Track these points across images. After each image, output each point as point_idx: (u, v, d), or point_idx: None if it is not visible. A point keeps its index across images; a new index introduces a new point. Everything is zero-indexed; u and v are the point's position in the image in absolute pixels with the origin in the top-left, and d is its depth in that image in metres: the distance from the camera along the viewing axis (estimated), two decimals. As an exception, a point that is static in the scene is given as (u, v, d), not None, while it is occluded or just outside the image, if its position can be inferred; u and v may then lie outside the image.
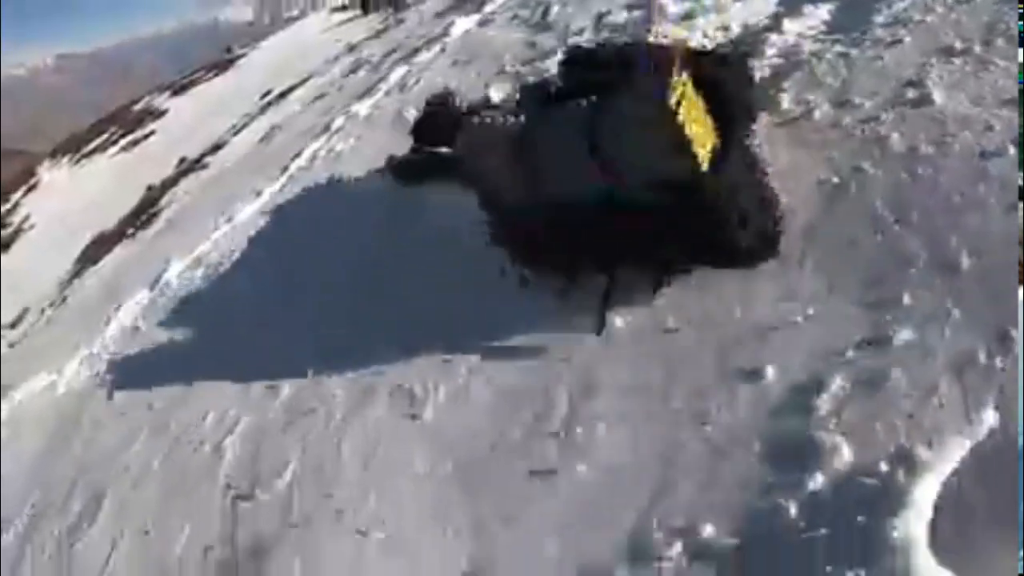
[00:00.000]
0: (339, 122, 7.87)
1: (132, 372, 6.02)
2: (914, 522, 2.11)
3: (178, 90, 33.40)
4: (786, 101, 4.09)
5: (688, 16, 5.74)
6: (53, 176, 32.49)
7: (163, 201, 12.49)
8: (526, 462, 2.95)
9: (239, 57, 34.25)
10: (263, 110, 16.31)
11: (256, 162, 9.41)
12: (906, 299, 2.66)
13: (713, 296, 3.20)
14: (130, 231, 12.21)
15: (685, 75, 3.27)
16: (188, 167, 14.85)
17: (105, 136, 32.49)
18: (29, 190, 32.71)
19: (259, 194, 7.37)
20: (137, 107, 34.53)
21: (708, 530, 2.35)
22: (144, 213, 12.83)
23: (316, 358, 4.35)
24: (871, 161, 3.36)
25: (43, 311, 12.19)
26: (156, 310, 6.66)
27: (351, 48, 17.84)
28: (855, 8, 4.58)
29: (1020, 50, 4.41)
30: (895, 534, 2.10)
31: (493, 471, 3.03)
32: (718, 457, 2.57)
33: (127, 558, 4.09)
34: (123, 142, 29.11)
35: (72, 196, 26.05)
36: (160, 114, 30.49)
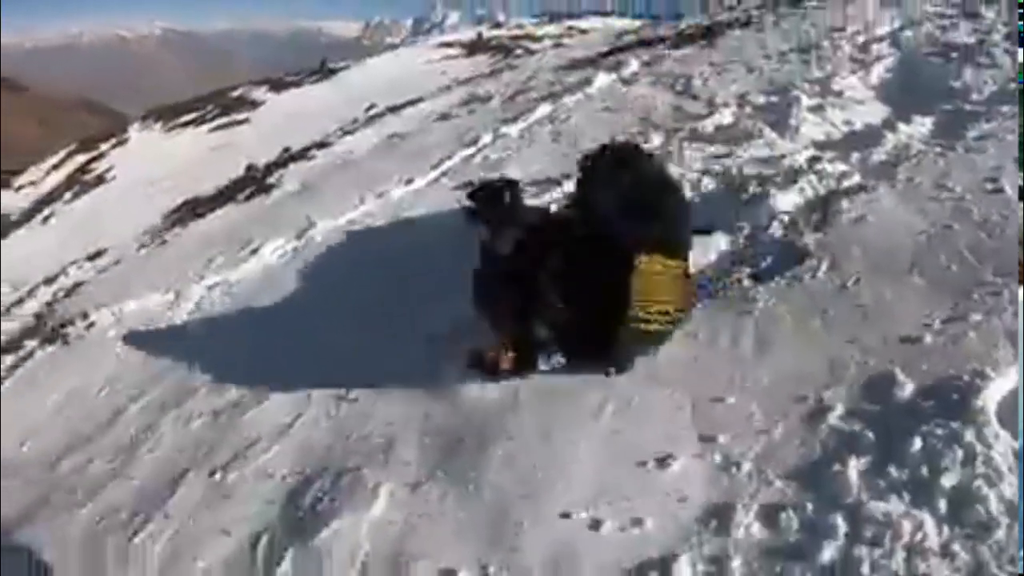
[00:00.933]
0: (486, 138, 8.29)
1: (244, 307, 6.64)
2: None
3: (277, 86, 34.36)
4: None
5: (818, 108, 6.26)
6: (143, 137, 33.46)
7: (271, 179, 12.99)
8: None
9: (341, 69, 35.13)
10: (370, 120, 16.91)
11: (390, 158, 9.90)
12: None
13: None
14: (239, 198, 12.74)
15: None
16: (293, 155, 15.41)
17: (200, 112, 33.43)
18: (118, 144, 33.69)
19: (410, 181, 7.78)
20: (235, 93, 35.51)
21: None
22: (249, 187, 13.35)
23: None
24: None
25: (140, 248, 12.74)
26: (296, 259, 7.12)
27: (461, 82, 18.41)
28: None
29: (1020, 50, 4.82)
30: None
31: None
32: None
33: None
34: (217, 122, 29.96)
35: (161, 159, 26.75)
36: (257, 104, 31.41)
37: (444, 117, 11.78)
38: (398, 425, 3.86)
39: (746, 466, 2.87)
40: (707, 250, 4.38)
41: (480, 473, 3.32)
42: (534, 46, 24.72)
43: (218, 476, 4.21)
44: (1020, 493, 2.44)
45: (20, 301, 14.59)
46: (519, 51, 24.03)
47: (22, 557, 4.42)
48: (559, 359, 3.88)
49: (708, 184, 5.23)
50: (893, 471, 2.63)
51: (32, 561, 4.34)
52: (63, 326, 8.68)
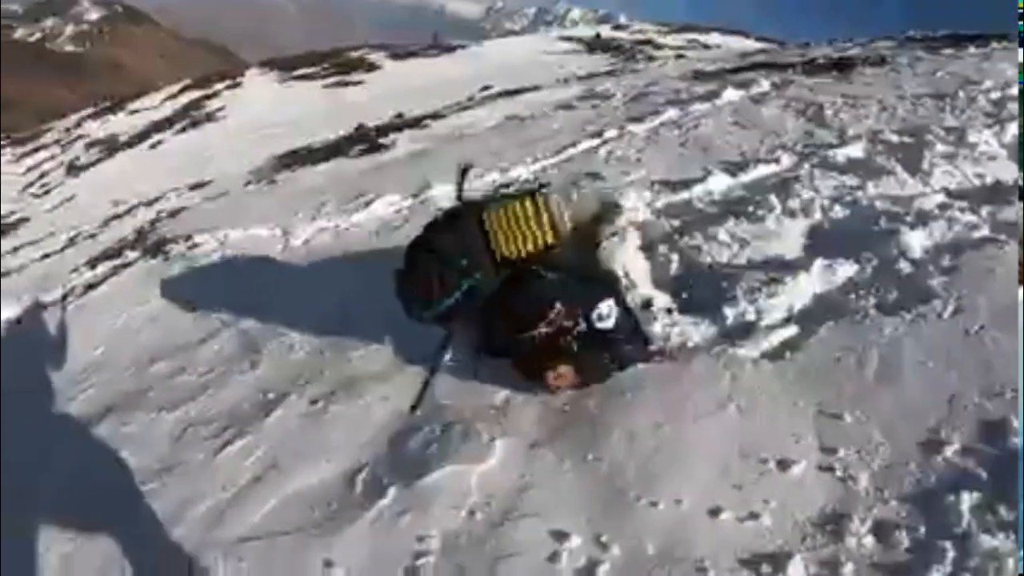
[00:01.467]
0: (611, 133, 8.38)
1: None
2: None
3: (396, 54, 34.95)
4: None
5: (951, 156, 6.19)
6: (258, 82, 34.37)
7: (384, 141, 13.28)
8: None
9: (459, 47, 35.50)
10: (486, 100, 17.13)
11: (511, 137, 10.07)
12: None
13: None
14: (350, 152, 13.05)
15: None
16: (407, 122, 15.71)
17: (316, 67, 34.22)
18: (233, 86, 34.68)
19: (535, 160, 7.94)
20: (353, 55, 36.26)
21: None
22: (361, 144, 13.67)
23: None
24: None
25: (247, 185, 13.15)
26: (412, 215, 7.31)
27: (581, 77, 18.48)
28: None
29: (1020, 50, 4.72)
30: None
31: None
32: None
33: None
34: (333, 79, 30.63)
35: (273, 106, 27.43)
36: (374, 68, 31.98)
37: (566, 107, 11.88)
38: (520, 387, 3.95)
39: (863, 482, 2.92)
40: (834, 275, 4.42)
41: (599, 446, 3.40)
42: (656, 53, 24.68)
43: (320, 404, 4.39)
44: (1020, 493, 2.58)
45: (120, 216, 15.17)
46: (640, 56, 24.00)
47: (105, 450, 4.67)
48: None
49: (838, 212, 5.24)
50: (1003, 511, 2.67)
51: (111, 454, 4.59)
52: (165, 243, 9.08)
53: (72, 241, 14.38)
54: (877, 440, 3.09)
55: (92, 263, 9.97)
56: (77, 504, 4.20)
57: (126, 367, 5.81)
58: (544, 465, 3.40)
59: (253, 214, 9.38)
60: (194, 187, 15.87)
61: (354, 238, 7.19)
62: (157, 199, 15.71)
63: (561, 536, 2.98)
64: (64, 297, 8.56)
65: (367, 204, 7.96)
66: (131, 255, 9.51)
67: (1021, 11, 4.58)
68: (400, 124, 15.50)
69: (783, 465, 3.07)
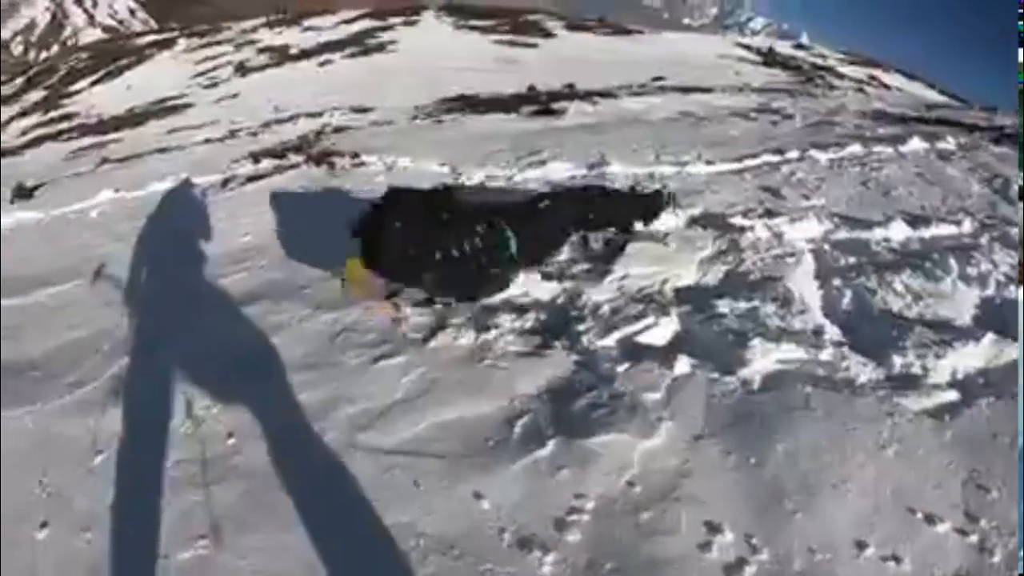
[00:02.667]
0: (792, 154, 8.23)
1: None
2: None
3: (572, 26, 34.94)
4: None
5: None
6: (434, 25, 34.98)
7: (556, 107, 13.39)
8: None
9: (635, 32, 35.30)
10: (658, 90, 17.02)
11: (686, 132, 10.09)
12: None
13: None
14: (522, 111, 13.22)
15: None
16: (578, 94, 15.76)
17: (492, 22, 34.58)
18: (409, 23, 35.39)
19: (710, 163, 7.96)
20: (530, 17, 36.48)
21: None
22: (532, 105, 13.82)
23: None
24: None
25: (413, 119, 13.47)
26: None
27: (755, 89, 18.16)
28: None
29: (1020, 50, 4.55)
30: None
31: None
32: None
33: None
34: (506, 37, 30.90)
35: (445, 50, 27.82)
36: (549, 35, 32.12)
37: (743, 115, 11.77)
38: (692, 380, 4.04)
39: (997, 556, 2.92)
40: (1001, 353, 4.36)
41: (763, 452, 3.46)
42: (835, 82, 24.08)
43: (486, 339, 4.56)
44: (1020, 493, 2.69)
45: (281, 121, 15.72)
46: (819, 81, 23.46)
47: (254, 333, 4.93)
48: None
49: (1011, 292, 5.14)
50: None
51: (260, 338, 4.85)
52: (330, 155, 9.46)
53: (233, 134, 15.01)
54: (1014, 522, 3.09)
55: (255, 157, 10.47)
56: (218, 372, 4.47)
57: (280, 260, 6.14)
58: (707, 456, 3.47)
59: (421, 148, 9.68)
60: (358, 110, 16.30)
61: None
62: (320, 114, 16.20)
63: (714, 528, 3.06)
64: (225, 182, 9.05)
65: (541, 163, 8.11)
66: (294, 158, 9.92)
67: (1021, 11, 4.52)
68: (570, 95, 15.57)
69: (929, 519, 3.08)
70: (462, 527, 3.17)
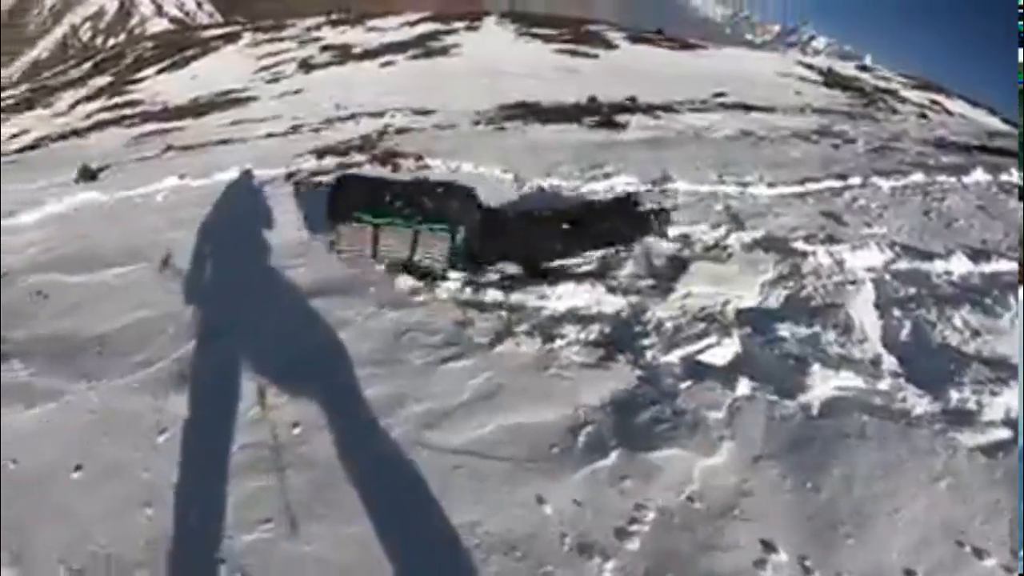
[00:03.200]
0: (855, 180, 8.27)
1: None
2: None
3: (634, 37, 35.02)
4: None
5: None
6: (495, 31, 35.27)
7: (618, 119, 13.42)
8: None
9: (697, 47, 35.20)
10: (719, 107, 16.99)
11: (748, 152, 10.17)
12: None
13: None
14: (584, 121, 13.26)
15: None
16: (639, 107, 15.77)
17: (553, 31, 34.78)
18: (470, 28, 35.73)
19: (772, 184, 7.97)
20: (591, 27, 36.65)
21: None
22: (594, 117, 13.85)
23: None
24: None
25: (475, 124, 13.55)
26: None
27: (816, 109, 17.98)
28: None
29: (1020, 50, 4.54)
30: None
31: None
32: None
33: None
34: (566, 46, 31.02)
35: (505, 56, 28.01)
36: (610, 46, 32.13)
37: (804, 138, 11.70)
38: (752, 401, 4.12)
39: (1042, 598, 2.97)
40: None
41: (819, 477, 3.53)
42: (897, 106, 23.76)
43: (552, 348, 4.69)
44: (1020, 493, 2.74)
45: (342, 119, 15.88)
46: (880, 104, 23.16)
47: (318, 326, 5.05)
48: None
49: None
50: None
51: (324, 331, 4.97)
52: (395, 156, 9.61)
53: (295, 129, 15.21)
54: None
55: (319, 154, 10.61)
56: (284, 363, 4.61)
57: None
58: (766, 477, 3.55)
59: (484, 153, 9.81)
60: (420, 112, 16.42)
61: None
62: (381, 114, 16.34)
63: (770, 547, 3.13)
64: (288, 176, 9.21)
65: (605, 176, 8.21)
66: (358, 157, 10.06)
67: (1021, 11, 4.50)
68: (632, 107, 15.55)
69: (978, 553, 3.13)
70: (525, 530, 3.27)
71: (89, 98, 33.28)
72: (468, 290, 5.50)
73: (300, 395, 4.24)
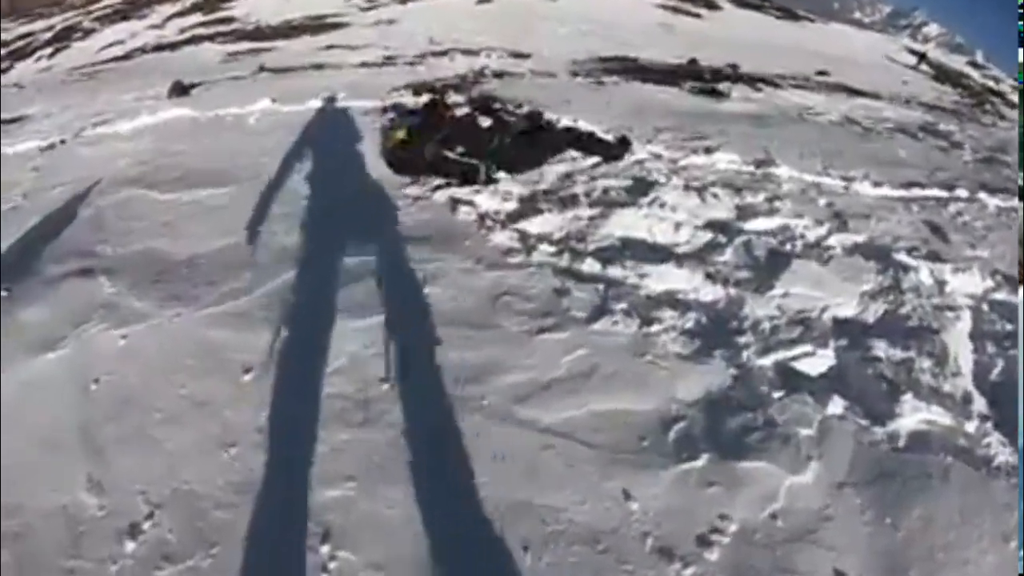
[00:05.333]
0: (962, 192, 7.93)
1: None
2: None
3: (741, 3, 34.16)
4: None
5: None
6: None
7: (720, 87, 13.02)
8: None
9: (803, 18, 34.16)
10: (821, 85, 16.42)
11: (853, 143, 9.82)
12: None
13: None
14: (684, 86, 12.89)
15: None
16: (741, 76, 15.31)
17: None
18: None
19: (878, 184, 7.67)
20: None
21: None
22: (696, 81, 13.45)
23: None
24: None
25: (572, 76, 13.28)
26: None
27: (922, 103, 17.31)
28: None
29: (1020, 50, 4.64)
30: None
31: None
32: None
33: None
34: (671, 2, 30.31)
35: (604, 3, 27.52)
36: (713, 7, 31.38)
37: (910, 135, 11.21)
38: (843, 423, 4.02)
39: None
40: None
41: (899, 514, 3.48)
42: (1005, 110, 22.84)
43: (649, 331, 4.58)
44: (1020, 493, 2.75)
45: (436, 55, 15.67)
46: (987, 106, 22.28)
47: (408, 280, 4.97)
48: None
49: None
50: None
51: (414, 283, 4.91)
52: (495, 101, 9.49)
53: (389, 60, 15.03)
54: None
55: (416, 90, 10.48)
56: (372, 311, 4.58)
57: (440, 204, 6.21)
58: (847, 506, 3.49)
59: (585, 109, 9.59)
60: (515, 55, 16.14)
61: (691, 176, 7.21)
62: (477, 52, 16.15)
63: (841, 576, 3.12)
64: (384, 111, 9.15)
65: (707, 151, 7.98)
66: (455, 97, 9.85)
67: (1021, 11, 4.32)
68: (733, 76, 15.13)
69: (1037, 625, 3.09)
70: (609, 523, 3.27)
71: (183, 13, 33.39)
72: (566, 256, 5.37)
73: (388, 348, 4.21)
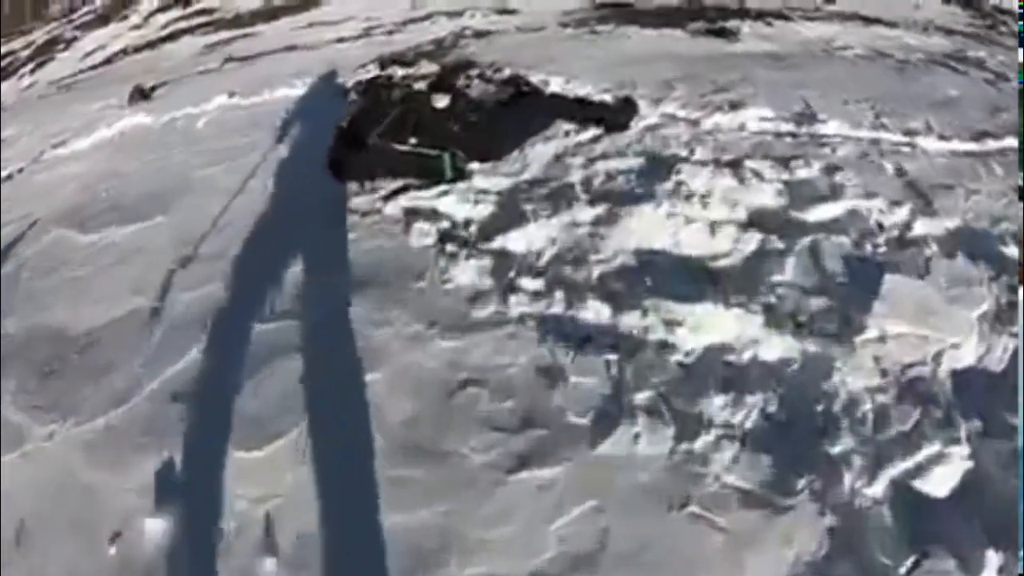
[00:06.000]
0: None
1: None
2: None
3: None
4: None
5: None
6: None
7: (727, 25, 11.87)
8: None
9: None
10: (831, 16, 15.18)
11: (902, 88, 8.18)
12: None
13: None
14: (686, 27, 11.78)
15: None
16: (747, 12, 14.17)
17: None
18: None
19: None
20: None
21: None
22: (695, 20, 12.30)
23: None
24: None
25: (563, 27, 12.11)
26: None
27: (939, 28, 16.15)
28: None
29: (1020, 50, 4.66)
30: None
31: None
32: None
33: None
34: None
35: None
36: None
37: (945, 65, 9.55)
38: None
39: None
40: None
41: None
42: (1016, 28, 21.55)
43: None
44: (1020, 492, 2.45)
45: (416, 20, 14.64)
46: (1001, 28, 21.05)
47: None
48: None
49: None
50: None
51: None
52: (471, 66, 8.38)
53: (367, 32, 14.37)
54: None
55: (382, 63, 9.43)
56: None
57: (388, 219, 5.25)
58: None
59: (576, 66, 8.28)
60: (502, 11, 15.21)
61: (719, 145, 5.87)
62: (460, 13, 15.11)
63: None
64: (345, 93, 8.20)
65: (732, 106, 6.52)
66: (427, 67, 8.72)
67: (1021, 11, 4.26)
68: (740, 11, 14.03)
69: None
70: None
71: (163, 9, 32.56)
72: (558, 298, 4.07)
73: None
